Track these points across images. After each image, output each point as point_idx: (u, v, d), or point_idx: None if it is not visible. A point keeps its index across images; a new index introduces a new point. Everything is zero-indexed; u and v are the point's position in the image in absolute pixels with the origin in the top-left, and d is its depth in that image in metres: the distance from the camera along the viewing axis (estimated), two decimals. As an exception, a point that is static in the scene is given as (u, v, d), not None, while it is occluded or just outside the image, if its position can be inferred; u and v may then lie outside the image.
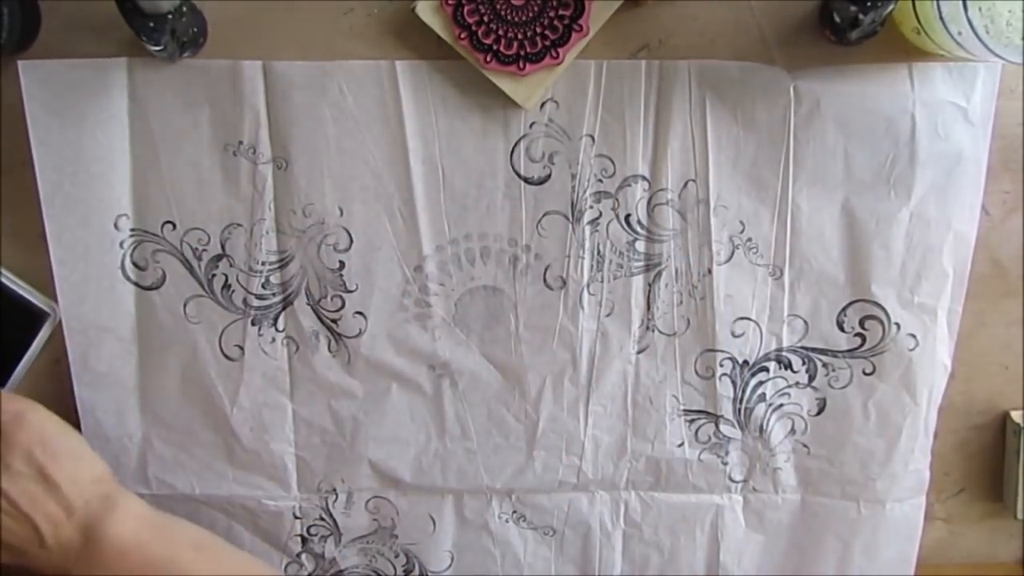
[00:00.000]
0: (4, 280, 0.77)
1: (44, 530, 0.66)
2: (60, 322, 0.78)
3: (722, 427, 0.82)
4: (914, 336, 0.79)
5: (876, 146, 0.76)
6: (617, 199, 0.78)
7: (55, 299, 0.78)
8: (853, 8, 0.67)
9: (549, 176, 0.77)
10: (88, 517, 0.67)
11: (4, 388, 0.79)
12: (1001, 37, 0.61)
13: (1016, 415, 0.83)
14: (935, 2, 0.63)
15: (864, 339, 0.80)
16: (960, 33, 0.62)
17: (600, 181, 0.77)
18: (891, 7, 0.67)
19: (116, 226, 0.77)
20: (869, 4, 0.66)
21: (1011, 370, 0.83)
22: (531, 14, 0.72)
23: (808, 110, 0.75)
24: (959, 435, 0.84)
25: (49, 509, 0.66)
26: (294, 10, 0.74)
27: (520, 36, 0.72)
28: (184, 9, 0.67)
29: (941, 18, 0.63)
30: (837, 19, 0.70)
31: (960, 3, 0.60)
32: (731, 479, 0.84)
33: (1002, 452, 0.85)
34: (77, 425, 0.80)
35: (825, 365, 0.80)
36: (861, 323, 0.79)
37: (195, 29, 0.72)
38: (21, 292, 0.77)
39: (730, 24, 0.74)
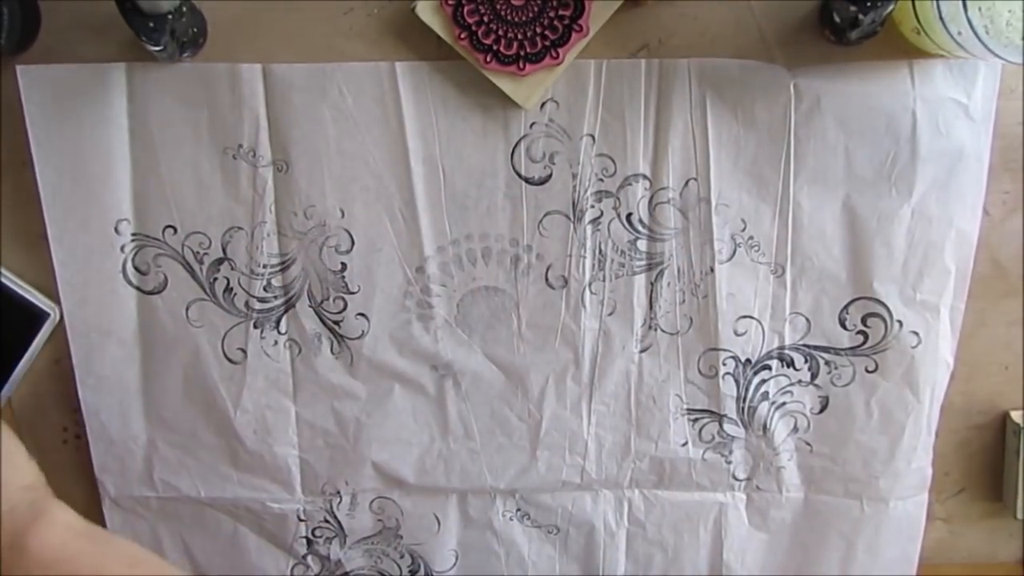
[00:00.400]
0: (4, 280, 0.77)
1: None
2: (61, 323, 0.78)
3: (725, 426, 0.82)
4: (916, 334, 0.79)
5: (877, 143, 0.75)
6: (618, 198, 0.77)
7: (57, 301, 0.78)
8: (853, 8, 0.67)
9: (550, 176, 0.77)
10: (13, 524, 0.64)
11: (4, 388, 0.79)
12: (1001, 37, 0.61)
13: (1016, 415, 0.83)
14: (935, 2, 0.63)
15: (866, 337, 0.79)
16: (960, 33, 0.61)
17: (601, 180, 0.77)
18: (891, 7, 0.67)
19: (117, 230, 0.77)
20: (869, 4, 0.66)
21: (1011, 370, 0.82)
22: (531, 14, 0.71)
23: (808, 108, 0.75)
24: (959, 435, 0.84)
25: None
26: (294, 10, 0.74)
27: (520, 36, 0.72)
28: (184, 9, 0.67)
29: (941, 18, 0.63)
30: (837, 19, 0.69)
31: (960, 3, 0.59)
32: (735, 477, 0.84)
33: (1002, 452, 0.85)
34: (82, 427, 0.81)
35: (828, 363, 0.80)
36: (863, 320, 0.79)
37: (195, 29, 0.72)
38: (21, 292, 0.78)
39: (730, 24, 0.74)
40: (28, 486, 0.67)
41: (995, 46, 0.60)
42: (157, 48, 0.68)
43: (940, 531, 0.86)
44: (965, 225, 0.77)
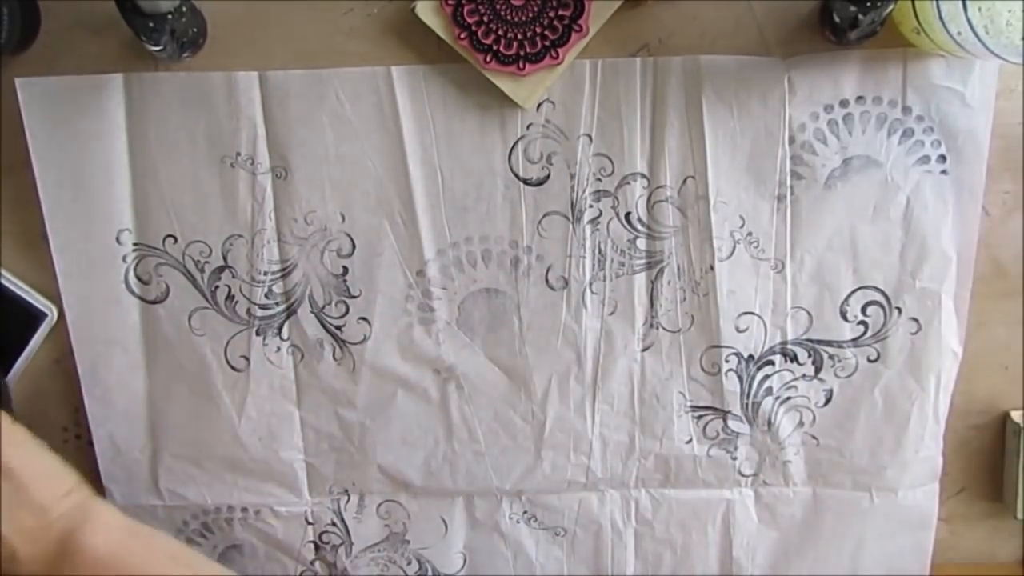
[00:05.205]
0: (3, 281, 0.77)
1: (17, 545, 0.63)
2: (63, 324, 0.79)
3: (730, 422, 0.82)
4: (916, 320, 0.79)
5: (871, 133, 0.76)
6: (617, 197, 0.78)
7: (57, 304, 0.78)
8: (853, 8, 0.67)
9: (548, 177, 0.77)
10: (63, 529, 0.64)
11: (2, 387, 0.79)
12: (1000, 37, 0.61)
13: (1016, 415, 0.83)
14: (935, 2, 0.63)
15: (867, 326, 0.80)
16: (960, 33, 0.61)
17: (599, 180, 0.77)
18: (891, 7, 0.67)
19: (118, 240, 0.77)
20: (869, 4, 0.66)
21: (1011, 370, 0.83)
22: (531, 14, 0.72)
23: (803, 100, 0.75)
24: (959, 435, 0.84)
25: (24, 524, 0.63)
26: (294, 10, 0.73)
27: (520, 36, 0.72)
28: (184, 9, 0.67)
29: (941, 18, 0.63)
30: (837, 19, 0.69)
31: (960, 3, 0.59)
32: (741, 473, 0.84)
33: (1002, 452, 0.85)
34: (82, 427, 0.82)
35: (831, 356, 0.80)
36: (863, 310, 0.79)
37: (195, 29, 0.72)
38: (20, 293, 0.78)
39: (730, 24, 0.74)
40: (70, 490, 0.66)
41: (995, 46, 0.60)
42: (157, 48, 0.68)
43: (940, 531, 0.86)
44: (964, 212, 0.77)
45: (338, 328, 0.80)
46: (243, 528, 0.85)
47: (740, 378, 0.81)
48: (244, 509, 0.84)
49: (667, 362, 0.81)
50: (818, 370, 0.81)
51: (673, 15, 0.74)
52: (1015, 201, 0.79)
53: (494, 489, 0.84)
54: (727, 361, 0.81)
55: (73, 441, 0.83)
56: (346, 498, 0.84)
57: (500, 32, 0.72)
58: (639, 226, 0.78)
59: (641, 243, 0.78)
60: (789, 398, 0.82)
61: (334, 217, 0.77)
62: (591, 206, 0.78)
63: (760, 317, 0.80)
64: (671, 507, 0.85)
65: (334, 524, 0.85)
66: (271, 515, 0.85)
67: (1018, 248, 0.80)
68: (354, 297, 0.79)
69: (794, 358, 0.81)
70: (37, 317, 0.78)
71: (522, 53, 0.72)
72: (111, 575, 0.63)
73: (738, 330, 0.80)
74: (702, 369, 0.81)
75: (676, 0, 0.73)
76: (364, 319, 0.80)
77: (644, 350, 0.81)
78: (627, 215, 0.78)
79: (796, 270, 0.79)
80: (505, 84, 0.73)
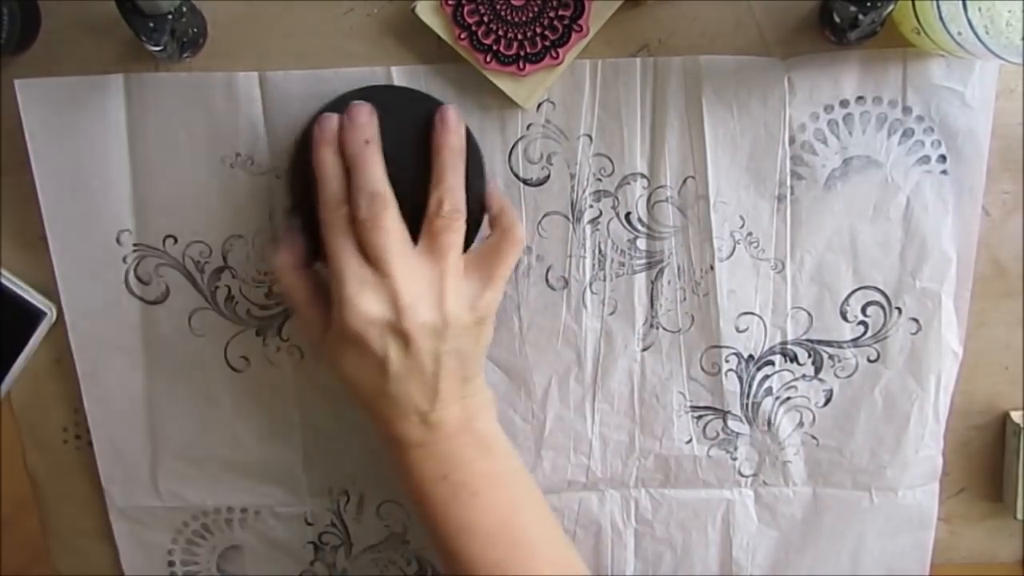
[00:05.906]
0: (3, 280, 0.77)
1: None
2: (62, 324, 0.79)
3: (730, 422, 0.82)
4: (916, 320, 0.79)
5: (871, 133, 0.76)
6: (617, 197, 0.77)
7: (58, 304, 0.78)
8: (853, 8, 0.67)
9: (548, 177, 0.77)
10: (470, 406, 0.70)
11: (1, 386, 0.79)
12: (1001, 37, 0.61)
13: (1016, 415, 0.83)
14: (935, 2, 0.63)
15: (867, 326, 0.80)
16: (960, 33, 0.61)
17: (599, 180, 0.77)
18: (891, 7, 0.67)
19: (119, 241, 0.77)
20: (869, 4, 0.66)
21: (1011, 370, 0.83)
22: (531, 14, 0.71)
23: (803, 100, 0.75)
24: (959, 435, 0.84)
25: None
26: (293, 10, 0.73)
27: (520, 36, 0.72)
28: (184, 9, 0.67)
29: (941, 18, 0.63)
30: (837, 19, 0.69)
31: (960, 3, 0.59)
32: (740, 474, 0.84)
33: (1002, 452, 0.85)
34: (82, 427, 0.82)
35: (831, 356, 0.80)
36: (863, 310, 0.79)
37: (195, 29, 0.72)
38: (19, 292, 0.78)
39: (730, 24, 0.74)
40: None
41: (995, 46, 0.60)
42: (157, 48, 0.67)
43: (940, 531, 0.86)
44: (964, 212, 0.77)
45: (338, 328, 0.80)
46: (243, 529, 0.85)
47: (740, 378, 0.81)
48: (244, 510, 0.85)
49: (667, 362, 0.81)
50: (818, 370, 0.81)
51: (673, 15, 0.73)
52: (1015, 201, 0.79)
53: (494, 489, 0.84)
54: (727, 361, 0.81)
55: (73, 441, 0.83)
56: (345, 499, 0.85)
57: (500, 32, 0.72)
58: (639, 226, 0.78)
59: (641, 243, 0.78)
60: (789, 398, 0.82)
61: (334, 217, 0.77)
62: (591, 206, 0.78)
63: (760, 317, 0.80)
64: (671, 507, 0.85)
65: (334, 525, 0.85)
66: (271, 516, 0.85)
67: (1018, 248, 0.80)
68: (354, 296, 0.79)
69: (794, 358, 0.81)
70: (36, 316, 0.78)
71: (522, 53, 0.72)
72: (490, 464, 0.70)
73: (738, 330, 0.80)
74: (702, 369, 0.81)
75: (676, 0, 0.73)
76: (364, 319, 0.80)
77: (644, 350, 0.81)
78: (627, 215, 0.78)
79: (796, 270, 0.79)
80: (505, 84, 0.73)
